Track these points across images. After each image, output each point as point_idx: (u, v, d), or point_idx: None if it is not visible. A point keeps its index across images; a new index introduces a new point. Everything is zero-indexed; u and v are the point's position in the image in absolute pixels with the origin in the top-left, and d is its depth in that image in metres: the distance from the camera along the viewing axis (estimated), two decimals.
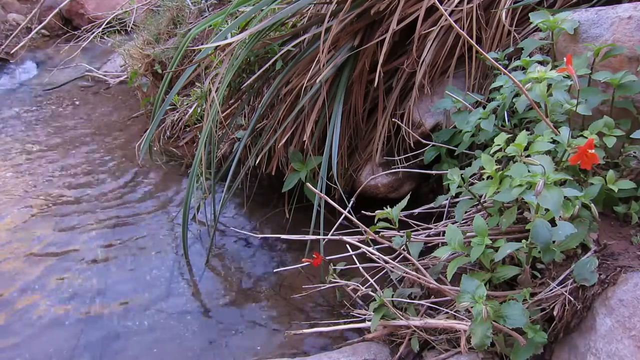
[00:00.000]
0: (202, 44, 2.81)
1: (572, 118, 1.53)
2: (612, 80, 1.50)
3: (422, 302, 1.71)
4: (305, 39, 2.30)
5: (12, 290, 2.08)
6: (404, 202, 1.71)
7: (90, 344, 1.85)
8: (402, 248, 1.73)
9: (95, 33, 4.34)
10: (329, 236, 1.78)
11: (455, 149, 2.02)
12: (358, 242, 1.73)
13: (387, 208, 1.67)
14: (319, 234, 1.99)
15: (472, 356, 1.51)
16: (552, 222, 1.31)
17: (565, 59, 1.36)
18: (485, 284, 1.40)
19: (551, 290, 1.43)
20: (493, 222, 1.54)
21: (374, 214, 1.72)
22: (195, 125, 3.08)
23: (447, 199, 1.97)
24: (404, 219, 1.95)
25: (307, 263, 1.79)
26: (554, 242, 1.36)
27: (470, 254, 1.46)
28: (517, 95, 1.66)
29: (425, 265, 1.72)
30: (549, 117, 1.51)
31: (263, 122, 2.50)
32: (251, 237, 2.37)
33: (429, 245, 1.83)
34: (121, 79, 4.06)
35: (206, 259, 2.25)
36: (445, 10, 2.00)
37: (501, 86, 1.73)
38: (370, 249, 1.70)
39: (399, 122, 2.21)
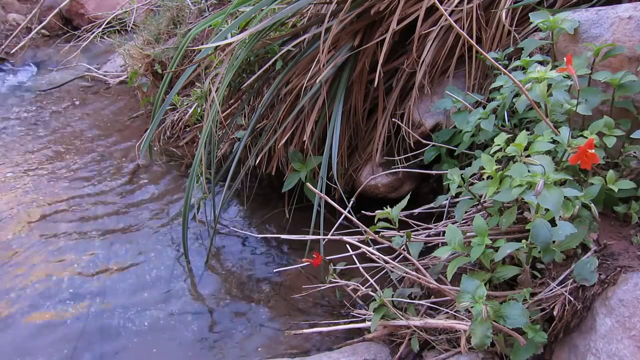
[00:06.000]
0: (202, 44, 2.81)
1: (572, 118, 1.53)
2: (612, 80, 1.50)
3: (422, 302, 1.71)
4: (305, 39, 2.30)
5: (12, 290, 2.08)
6: (404, 202, 1.71)
7: (91, 344, 1.85)
8: (402, 248, 1.73)
9: (95, 33, 4.34)
10: (329, 236, 1.78)
11: (455, 149, 2.02)
12: (358, 242, 1.73)
13: (387, 208, 1.67)
14: (319, 234, 1.99)
15: (472, 356, 1.51)
16: (552, 222, 1.31)
17: (565, 59, 1.36)
18: (485, 284, 1.40)
19: (551, 290, 1.43)
20: (493, 222, 1.54)
21: (374, 214, 1.72)
22: (195, 125, 3.08)
23: (447, 199, 1.97)
24: (404, 219, 1.95)
25: (307, 263, 1.79)
26: (554, 242, 1.36)
27: (470, 254, 1.46)
28: (517, 95, 1.66)
29: (425, 265, 1.72)
30: (549, 117, 1.50)
31: (263, 122, 2.50)
32: (251, 237, 2.37)
33: (429, 245, 1.83)
34: (121, 79, 4.06)
35: (206, 259, 2.25)
36: (445, 10, 2.00)
37: (501, 86, 1.73)
38: (370, 249, 1.70)
39: (399, 122, 2.21)
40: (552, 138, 1.42)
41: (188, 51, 3.08)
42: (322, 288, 1.92)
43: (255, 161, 2.35)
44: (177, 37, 3.35)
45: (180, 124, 3.19)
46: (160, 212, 2.58)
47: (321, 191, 2.08)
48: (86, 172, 2.92)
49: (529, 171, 1.30)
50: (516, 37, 1.99)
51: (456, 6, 2.03)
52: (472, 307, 1.32)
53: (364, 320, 1.79)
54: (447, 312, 1.63)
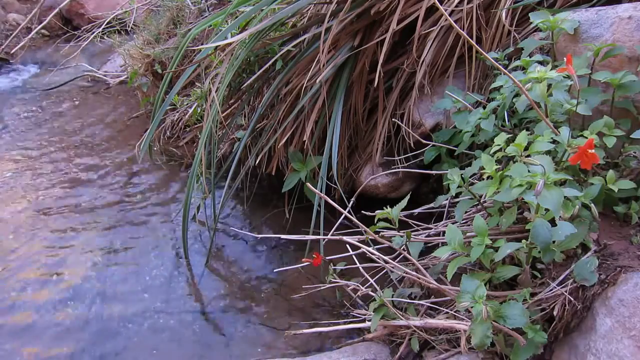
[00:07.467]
0: (202, 44, 2.81)
1: (572, 118, 1.53)
2: (612, 80, 1.50)
3: (422, 302, 1.71)
4: (305, 39, 2.30)
5: (12, 290, 2.08)
6: (404, 202, 1.71)
7: (90, 345, 1.85)
8: (402, 248, 1.73)
9: (95, 33, 4.34)
10: (329, 236, 1.77)
11: (455, 149, 2.02)
12: (358, 242, 1.73)
13: (387, 208, 1.67)
14: (319, 234, 1.99)
15: (472, 356, 1.51)
16: (552, 222, 1.31)
17: (565, 59, 1.36)
18: (485, 284, 1.40)
19: (551, 290, 1.43)
20: (493, 222, 1.54)
21: (374, 214, 1.72)
22: (195, 125, 3.08)
23: (447, 199, 1.97)
24: (404, 219, 1.95)
25: (307, 263, 1.78)
26: (554, 242, 1.36)
27: (470, 254, 1.46)
28: (517, 95, 1.66)
29: (425, 265, 1.72)
30: (549, 117, 1.50)
31: (263, 122, 2.50)
32: (251, 237, 2.37)
33: (429, 245, 1.83)
34: (121, 79, 4.06)
35: (206, 259, 2.25)
36: (445, 10, 2.00)
37: (501, 86, 1.73)
38: (370, 249, 1.70)
39: (399, 122, 2.21)
40: (552, 138, 1.42)
41: (188, 51, 3.08)
42: (322, 288, 1.92)
43: (255, 161, 2.35)
44: (177, 37, 3.35)
45: (180, 124, 3.19)
46: (160, 212, 2.58)
47: (321, 191, 2.08)
48: (86, 172, 2.92)
49: (529, 171, 1.30)
50: (516, 37, 1.99)
51: (456, 6, 2.03)
52: (472, 307, 1.32)
53: (364, 320, 1.79)
54: (447, 312, 1.63)
